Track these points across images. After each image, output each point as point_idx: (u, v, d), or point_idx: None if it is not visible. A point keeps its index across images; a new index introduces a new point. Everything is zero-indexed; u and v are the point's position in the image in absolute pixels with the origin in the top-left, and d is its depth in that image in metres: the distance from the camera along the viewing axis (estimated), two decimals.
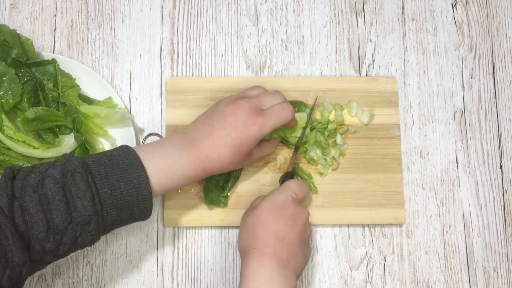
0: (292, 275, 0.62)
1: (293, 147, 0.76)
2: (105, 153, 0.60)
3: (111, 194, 0.57)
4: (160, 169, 0.61)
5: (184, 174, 0.63)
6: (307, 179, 0.75)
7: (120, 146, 0.62)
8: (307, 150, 0.76)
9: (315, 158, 0.75)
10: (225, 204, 0.74)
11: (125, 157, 0.59)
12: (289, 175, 0.73)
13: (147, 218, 0.62)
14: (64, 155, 0.59)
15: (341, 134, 0.77)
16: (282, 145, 0.77)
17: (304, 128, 0.74)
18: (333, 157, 0.76)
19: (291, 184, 0.69)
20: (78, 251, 0.72)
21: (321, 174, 0.76)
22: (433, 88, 0.81)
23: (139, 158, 0.60)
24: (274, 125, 0.67)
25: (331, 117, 0.77)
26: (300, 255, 0.64)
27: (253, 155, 0.69)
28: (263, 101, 0.68)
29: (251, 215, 0.66)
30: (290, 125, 0.73)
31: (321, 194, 0.76)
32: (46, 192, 0.55)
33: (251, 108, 0.66)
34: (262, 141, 0.72)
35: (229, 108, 0.66)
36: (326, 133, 0.77)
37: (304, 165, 0.77)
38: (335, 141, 0.76)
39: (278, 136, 0.74)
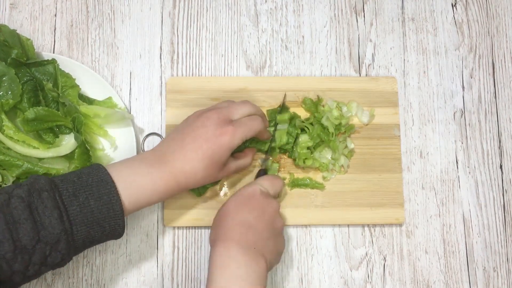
0: (260, 259, 0.62)
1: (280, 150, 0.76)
2: (75, 171, 0.60)
3: (81, 211, 0.57)
4: (131, 186, 0.60)
5: (155, 190, 0.62)
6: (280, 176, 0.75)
7: (91, 165, 0.61)
8: (277, 150, 0.75)
9: (325, 161, 0.75)
10: (200, 194, 0.74)
11: (95, 174, 0.59)
12: (262, 172, 0.74)
13: (121, 236, 0.61)
14: (32, 176, 0.59)
15: (349, 136, 0.77)
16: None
17: (275, 125, 0.74)
18: (342, 165, 0.76)
19: (262, 179, 0.69)
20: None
21: (324, 178, 0.76)
22: (433, 88, 0.81)
23: (109, 174, 0.59)
24: (244, 134, 0.66)
25: (336, 112, 0.77)
26: (270, 242, 0.64)
27: (228, 167, 0.68)
28: (233, 111, 0.68)
29: (219, 211, 0.67)
30: (263, 137, 0.72)
31: (321, 194, 0.76)
32: (12, 212, 0.54)
33: (220, 118, 0.65)
34: (237, 153, 0.72)
35: (198, 121, 0.66)
36: (343, 129, 0.77)
37: (311, 172, 0.77)
38: (346, 146, 0.76)
39: (253, 146, 0.74)
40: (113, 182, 0.59)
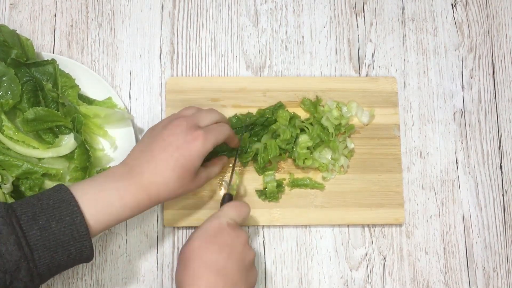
0: None
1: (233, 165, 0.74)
2: (36, 194, 0.57)
3: (41, 235, 0.53)
4: (97, 203, 0.57)
5: (124, 206, 0.59)
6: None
7: (53, 186, 0.58)
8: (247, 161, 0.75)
9: (325, 162, 0.75)
10: None
11: (56, 195, 0.56)
12: (227, 196, 0.70)
13: (90, 260, 0.58)
14: None
15: (349, 136, 0.77)
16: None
17: (240, 136, 0.74)
18: (341, 165, 0.76)
19: (227, 208, 0.65)
20: None
21: (324, 178, 0.76)
22: (433, 88, 0.81)
23: (71, 194, 0.56)
24: (215, 139, 0.64)
25: (336, 113, 0.77)
26: (241, 282, 0.61)
27: (200, 177, 0.66)
28: (200, 118, 0.66)
29: (184, 249, 0.62)
30: (233, 143, 0.71)
31: (321, 194, 0.76)
32: None
33: (189, 125, 0.63)
34: (206, 162, 0.69)
35: (166, 130, 0.63)
36: (343, 129, 0.76)
37: (311, 172, 0.77)
38: (346, 146, 0.76)
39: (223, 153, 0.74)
40: (75, 201, 0.55)
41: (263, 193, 0.75)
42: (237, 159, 0.74)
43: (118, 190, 0.59)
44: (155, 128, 0.66)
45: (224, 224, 0.63)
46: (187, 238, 0.65)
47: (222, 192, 0.75)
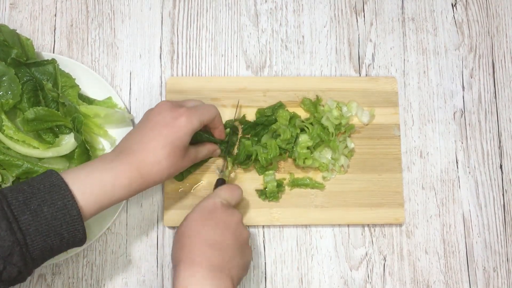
0: (227, 279, 0.60)
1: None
2: (26, 180, 0.57)
3: (33, 220, 0.53)
4: (88, 186, 0.57)
5: (118, 185, 0.59)
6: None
7: (45, 171, 0.58)
8: (237, 157, 0.75)
9: (325, 162, 0.75)
10: (182, 178, 0.75)
11: (47, 180, 0.56)
12: (220, 181, 0.73)
13: (83, 243, 0.58)
14: None
15: (349, 136, 0.77)
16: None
17: (229, 133, 0.74)
18: (341, 165, 0.76)
19: (221, 189, 0.68)
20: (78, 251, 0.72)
21: (324, 178, 0.76)
22: (433, 88, 0.81)
23: (62, 178, 0.56)
24: (200, 116, 0.66)
25: (336, 112, 0.77)
26: (236, 258, 0.63)
27: (189, 155, 0.67)
28: (185, 103, 0.69)
29: (179, 228, 0.64)
30: (218, 130, 0.72)
31: (321, 194, 0.76)
32: None
33: (172, 104, 0.66)
34: (196, 143, 0.70)
35: (153, 112, 0.65)
36: (343, 129, 0.77)
37: (311, 172, 0.77)
38: (346, 146, 0.76)
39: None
40: (66, 185, 0.55)
41: (263, 193, 0.75)
42: (229, 146, 0.75)
43: (110, 171, 0.59)
44: (143, 116, 0.67)
45: (218, 203, 0.65)
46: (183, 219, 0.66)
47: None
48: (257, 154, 0.74)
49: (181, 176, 0.74)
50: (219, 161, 0.76)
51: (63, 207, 0.55)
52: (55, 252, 0.56)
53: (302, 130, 0.76)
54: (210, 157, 0.76)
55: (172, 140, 0.63)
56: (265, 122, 0.76)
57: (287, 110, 0.77)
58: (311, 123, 0.76)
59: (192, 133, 0.65)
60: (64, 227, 0.55)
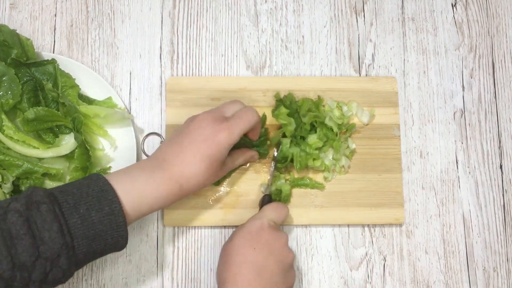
0: None
1: (272, 165, 0.75)
2: (73, 182, 0.58)
3: (82, 224, 0.54)
4: (132, 194, 0.58)
5: (158, 197, 0.60)
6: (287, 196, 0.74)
7: (89, 175, 0.59)
8: (286, 163, 0.74)
9: (328, 163, 0.75)
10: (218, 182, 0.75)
11: (95, 185, 0.57)
12: (266, 198, 0.72)
13: (123, 249, 0.59)
14: (29, 187, 0.56)
15: (349, 136, 0.77)
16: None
17: (277, 144, 0.73)
18: (342, 165, 0.76)
19: (267, 209, 0.68)
20: None
21: (325, 178, 0.76)
22: (433, 88, 0.81)
23: (109, 184, 0.57)
24: (241, 129, 0.65)
25: (337, 112, 0.77)
26: (279, 283, 0.63)
27: (226, 166, 0.68)
28: (225, 110, 0.67)
29: (226, 246, 0.65)
30: (256, 134, 0.71)
31: (321, 194, 0.76)
32: (9, 227, 0.51)
33: (214, 117, 0.65)
34: (233, 151, 0.70)
35: (192, 124, 0.65)
36: (344, 129, 0.76)
37: (311, 172, 0.76)
38: (347, 146, 0.76)
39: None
40: (114, 191, 0.57)
41: (277, 195, 0.74)
42: (276, 160, 0.74)
43: (152, 181, 0.60)
44: (184, 124, 0.67)
45: (265, 225, 0.65)
46: (229, 236, 0.67)
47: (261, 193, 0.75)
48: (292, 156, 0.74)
49: (217, 181, 0.74)
50: (264, 176, 0.75)
51: (110, 213, 0.56)
52: (97, 256, 0.57)
53: (311, 130, 0.75)
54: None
55: (210, 155, 0.63)
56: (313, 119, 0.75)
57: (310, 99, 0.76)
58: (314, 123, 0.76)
59: (231, 146, 0.65)
60: (109, 232, 0.56)
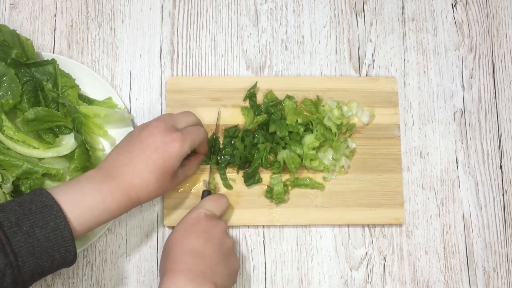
0: (209, 285, 0.60)
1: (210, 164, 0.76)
2: (16, 199, 0.55)
3: (26, 241, 0.52)
4: (79, 207, 0.56)
5: (106, 208, 0.59)
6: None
7: (33, 190, 0.57)
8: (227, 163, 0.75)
9: (327, 163, 0.75)
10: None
11: (38, 200, 0.55)
12: (205, 193, 0.72)
13: (72, 264, 0.57)
14: None
15: (349, 136, 0.77)
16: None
17: (212, 142, 0.75)
18: (342, 166, 0.76)
19: (205, 200, 0.69)
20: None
21: (324, 178, 0.76)
22: (433, 88, 0.81)
23: (53, 198, 0.55)
24: (192, 142, 0.65)
25: (337, 112, 0.77)
26: (220, 266, 0.63)
27: (177, 177, 0.67)
28: (178, 121, 0.67)
29: (167, 240, 0.66)
30: (203, 149, 0.72)
31: (321, 194, 0.76)
32: None
33: (167, 126, 0.64)
34: (184, 161, 0.69)
35: (144, 131, 0.63)
36: (344, 129, 0.76)
37: (311, 172, 0.76)
38: (347, 146, 0.76)
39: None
40: (58, 206, 0.55)
41: (269, 192, 0.74)
42: (212, 159, 0.75)
43: (99, 193, 0.58)
44: (132, 132, 0.66)
45: (202, 214, 0.66)
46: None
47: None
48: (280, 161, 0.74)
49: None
50: (186, 191, 0.75)
51: (55, 228, 0.54)
52: (45, 273, 0.55)
53: (306, 130, 0.75)
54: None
55: (161, 165, 0.62)
56: (273, 113, 0.76)
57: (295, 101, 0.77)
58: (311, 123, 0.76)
59: (182, 158, 0.64)
60: (56, 248, 0.54)
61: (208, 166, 0.75)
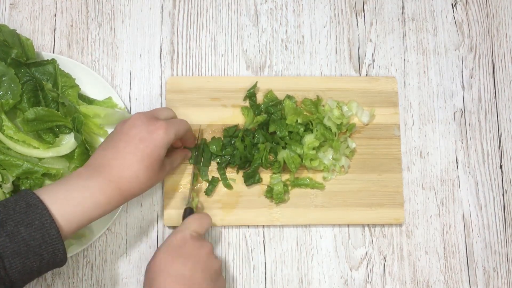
0: None
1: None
2: (1, 201, 0.55)
3: (11, 241, 0.51)
4: (67, 204, 0.56)
5: (96, 203, 0.58)
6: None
7: (19, 191, 0.57)
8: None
9: (327, 163, 0.75)
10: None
11: (22, 200, 0.54)
12: (188, 210, 0.71)
13: (63, 264, 0.56)
14: None
15: (349, 136, 0.77)
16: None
17: (197, 148, 0.75)
18: (342, 165, 0.76)
19: (189, 221, 0.66)
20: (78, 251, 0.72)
21: (324, 178, 0.76)
22: (433, 88, 0.81)
23: (38, 197, 0.54)
24: (176, 130, 0.65)
25: (337, 112, 0.77)
26: None
27: (164, 167, 0.66)
28: (158, 113, 0.67)
29: (149, 264, 0.63)
30: (190, 141, 0.73)
31: (321, 194, 0.76)
32: None
33: (148, 117, 0.64)
34: (170, 152, 0.69)
35: (126, 125, 0.64)
36: (344, 129, 0.77)
37: (311, 172, 0.76)
38: (347, 146, 0.76)
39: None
40: (43, 204, 0.54)
41: (269, 192, 0.74)
42: (195, 174, 0.75)
43: (87, 189, 0.58)
44: (115, 128, 0.66)
45: (187, 236, 0.64)
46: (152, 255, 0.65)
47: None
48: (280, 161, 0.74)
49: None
50: (186, 190, 0.75)
51: (41, 226, 0.53)
52: (35, 274, 0.54)
53: (306, 130, 0.75)
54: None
55: (149, 153, 0.62)
56: (273, 113, 0.76)
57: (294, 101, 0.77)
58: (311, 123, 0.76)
59: (168, 146, 0.64)
60: (43, 247, 0.53)
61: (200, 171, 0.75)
